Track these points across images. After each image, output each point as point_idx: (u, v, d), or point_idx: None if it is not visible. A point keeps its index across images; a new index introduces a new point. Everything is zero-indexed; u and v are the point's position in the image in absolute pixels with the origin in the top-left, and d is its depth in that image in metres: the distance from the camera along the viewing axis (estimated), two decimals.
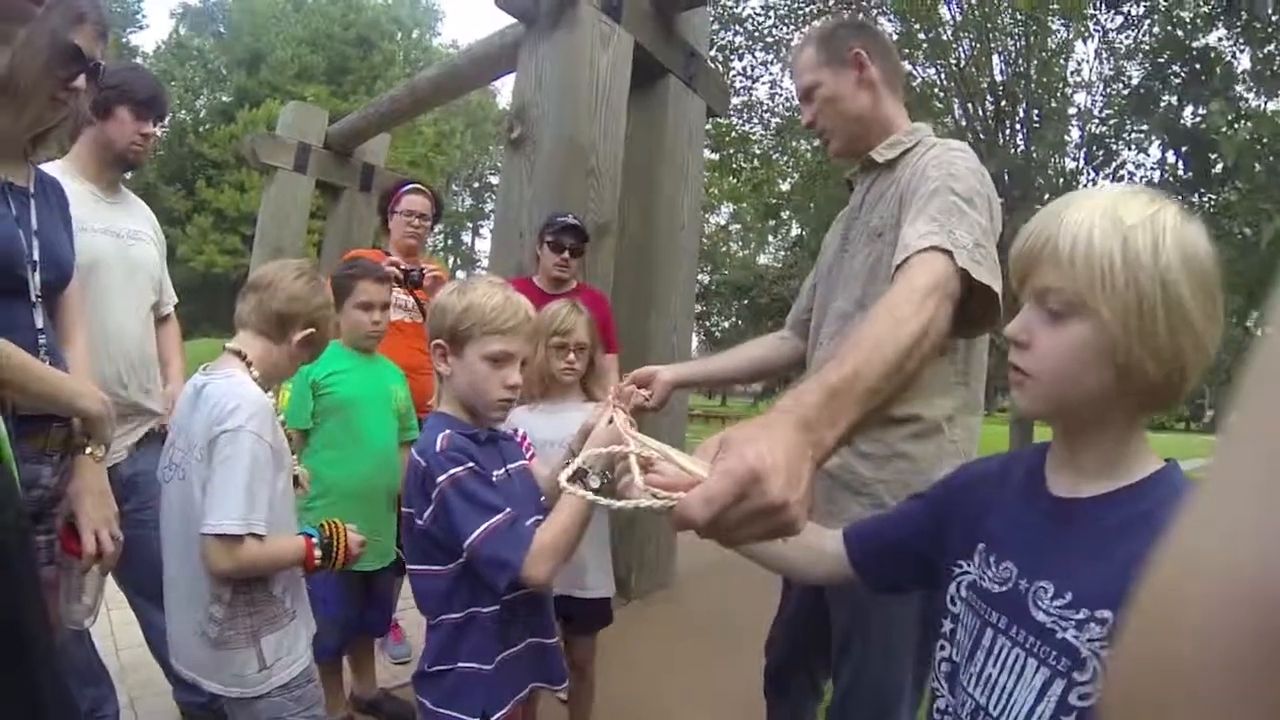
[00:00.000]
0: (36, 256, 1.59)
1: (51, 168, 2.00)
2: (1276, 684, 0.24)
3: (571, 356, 2.30)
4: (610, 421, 1.45)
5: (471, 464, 1.46)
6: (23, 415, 1.52)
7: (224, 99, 32.40)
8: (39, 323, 1.59)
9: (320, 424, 2.41)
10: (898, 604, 1.58)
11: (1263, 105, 8.47)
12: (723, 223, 31.61)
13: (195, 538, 1.55)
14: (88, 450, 1.63)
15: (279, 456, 1.63)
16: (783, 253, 29.87)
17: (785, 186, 14.54)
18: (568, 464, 1.19)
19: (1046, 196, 10.95)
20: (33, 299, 1.58)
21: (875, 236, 1.59)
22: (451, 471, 1.44)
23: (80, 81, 1.51)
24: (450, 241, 46.03)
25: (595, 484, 1.36)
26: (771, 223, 15.91)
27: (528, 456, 2.19)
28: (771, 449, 0.75)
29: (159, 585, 1.70)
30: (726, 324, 35.71)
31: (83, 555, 1.58)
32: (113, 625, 2.93)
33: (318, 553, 1.65)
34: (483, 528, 1.40)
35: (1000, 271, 1.28)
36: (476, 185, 45.78)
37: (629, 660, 2.91)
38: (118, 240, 2.12)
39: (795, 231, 18.07)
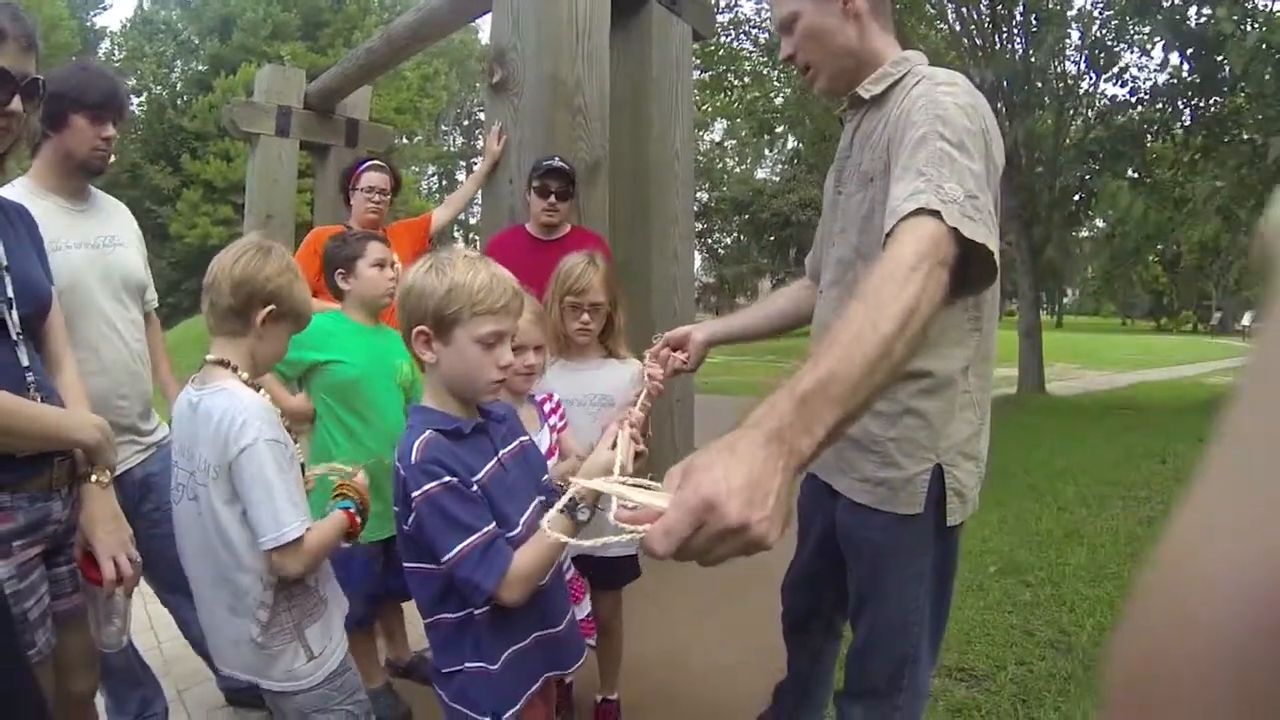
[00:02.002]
0: (11, 293, 1.54)
1: (14, 187, 1.94)
2: (1275, 676, 0.24)
3: (586, 317, 2.24)
4: (613, 445, 1.39)
5: (448, 478, 1.38)
6: (23, 457, 1.50)
7: (199, 69, 31.45)
8: (24, 360, 1.54)
9: (329, 404, 2.38)
10: (911, 556, 1.57)
11: (1271, 6, 8.05)
12: (717, 139, 31.00)
13: (220, 552, 1.56)
14: (93, 478, 1.62)
15: (288, 448, 1.62)
16: (781, 166, 29.41)
17: (779, 101, 14.19)
18: (563, 489, 1.23)
19: (1047, 101, 10.65)
20: (13, 336, 1.53)
21: (867, 181, 1.51)
22: (426, 487, 1.37)
23: (15, 104, 1.43)
24: (444, 182, 45.41)
25: (585, 515, 1.36)
26: (766, 137, 15.59)
27: (559, 424, 2.16)
28: (729, 474, 0.77)
29: (187, 580, 1.70)
30: (729, 240, 35.32)
31: (104, 583, 1.58)
32: (151, 619, 2.97)
33: (358, 518, 1.69)
34: (458, 549, 1.35)
35: (997, 223, 1.19)
36: (466, 123, 45.02)
37: (649, 601, 2.92)
38: (94, 251, 2.04)
39: (792, 144, 17.74)
